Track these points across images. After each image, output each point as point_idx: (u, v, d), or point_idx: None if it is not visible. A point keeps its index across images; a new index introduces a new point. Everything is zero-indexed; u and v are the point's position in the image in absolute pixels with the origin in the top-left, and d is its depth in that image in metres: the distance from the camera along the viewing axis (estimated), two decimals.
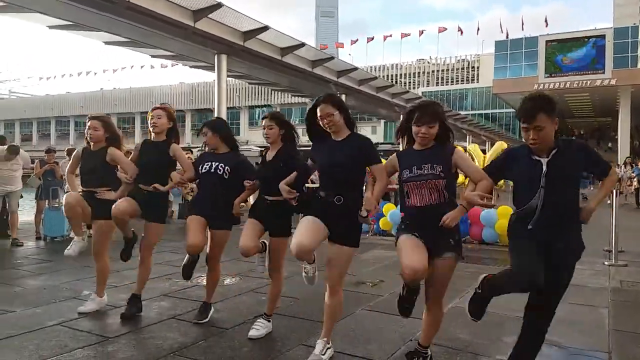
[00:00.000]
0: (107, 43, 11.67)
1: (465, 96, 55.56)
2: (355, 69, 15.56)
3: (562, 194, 2.53)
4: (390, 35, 69.77)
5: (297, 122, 63.91)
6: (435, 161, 2.73)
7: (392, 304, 4.13)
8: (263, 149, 3.78)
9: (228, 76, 12.23)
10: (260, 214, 3.49)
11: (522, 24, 61.33)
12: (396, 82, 64.44)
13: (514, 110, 45.70)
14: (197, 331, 3.62)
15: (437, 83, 62.76)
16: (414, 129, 2.77)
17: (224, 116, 11.49)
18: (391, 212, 9.03)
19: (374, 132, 54.79)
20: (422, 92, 56.35)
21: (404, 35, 70.18)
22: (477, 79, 59.59)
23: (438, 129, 2.77)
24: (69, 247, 3.93)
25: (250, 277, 5.27)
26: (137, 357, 3.13)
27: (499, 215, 8.09)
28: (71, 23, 9.72)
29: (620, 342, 3.56)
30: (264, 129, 3.53)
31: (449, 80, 62.63)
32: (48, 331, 3.54)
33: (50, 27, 10.36)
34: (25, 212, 9.32)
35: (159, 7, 9.05)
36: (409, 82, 64.09)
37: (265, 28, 10.84)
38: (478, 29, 62.95)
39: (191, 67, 13.37)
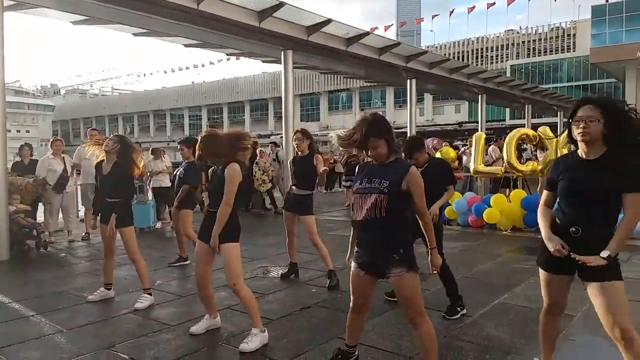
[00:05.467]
0: (186, 46, 12.58)
1: (560, 67, 51.20)
2: (425, 52, 15.17)
3: None
4: (474, 7, 66.23)
5: (378, 104, 63.38)
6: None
7: (437, 299, 4.23)
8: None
9: (296, 68, 12.58)
10: None
11: None
12: (482, 56, 61.27)
13: (615, 80, 41.58)
14: (245, 321, 3.81)
15: (528, 54, 58.67)
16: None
17: (290, 107, 11.74)
18: (457, 200, 8.92)
19: (457, 110, 52.71)
20: (511, 66, 53.00)
21: (489, 5, 66.26)
22: (574, 48, 54.87)
23: None
24: (250, 341, 3.43)
25: (302, 269, 5.59)
26: (189, 345, 3.56)
27: None
28: (152, 31, 10.60)
29: None
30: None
31: (541, 51, 58.31)
32: (122, 319, 4.12)
33: (136, 34, 11.36)
34: None
35: (227, 12, 9.60)
36: (496, 56, 60.65)
37: (328, 21, 11.01)
38: None
39: (262, 61, 13.95)
